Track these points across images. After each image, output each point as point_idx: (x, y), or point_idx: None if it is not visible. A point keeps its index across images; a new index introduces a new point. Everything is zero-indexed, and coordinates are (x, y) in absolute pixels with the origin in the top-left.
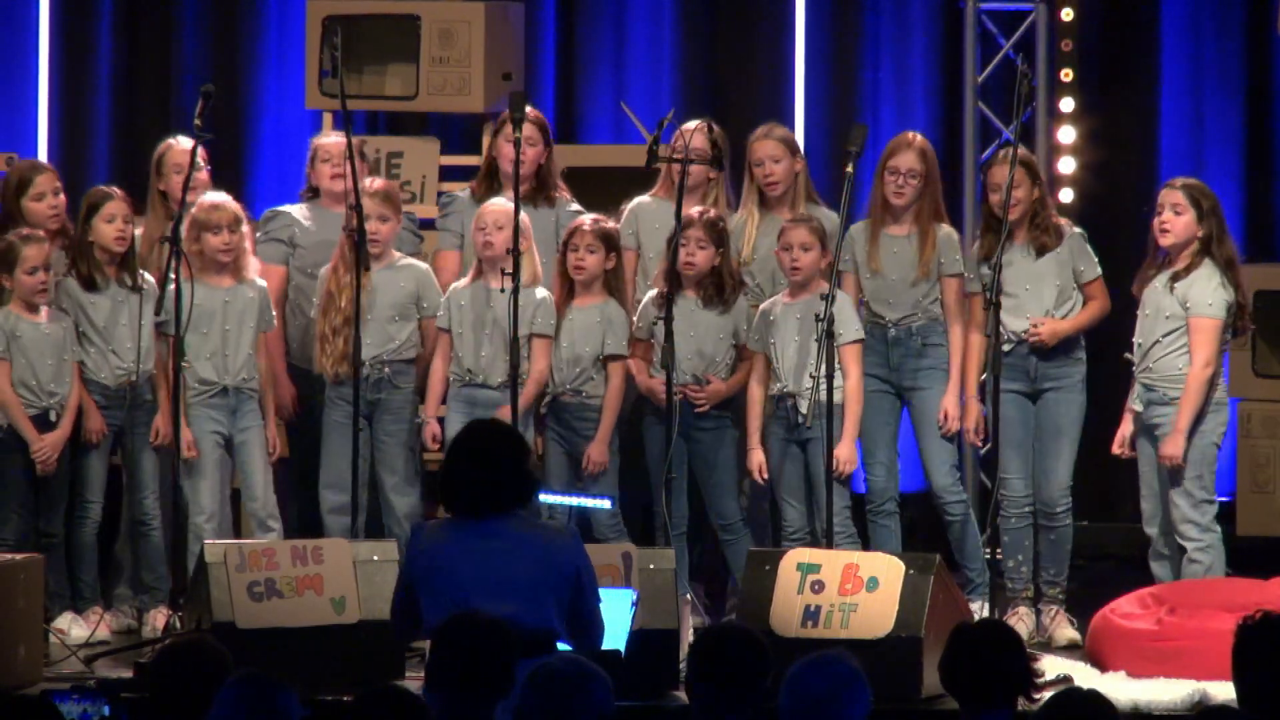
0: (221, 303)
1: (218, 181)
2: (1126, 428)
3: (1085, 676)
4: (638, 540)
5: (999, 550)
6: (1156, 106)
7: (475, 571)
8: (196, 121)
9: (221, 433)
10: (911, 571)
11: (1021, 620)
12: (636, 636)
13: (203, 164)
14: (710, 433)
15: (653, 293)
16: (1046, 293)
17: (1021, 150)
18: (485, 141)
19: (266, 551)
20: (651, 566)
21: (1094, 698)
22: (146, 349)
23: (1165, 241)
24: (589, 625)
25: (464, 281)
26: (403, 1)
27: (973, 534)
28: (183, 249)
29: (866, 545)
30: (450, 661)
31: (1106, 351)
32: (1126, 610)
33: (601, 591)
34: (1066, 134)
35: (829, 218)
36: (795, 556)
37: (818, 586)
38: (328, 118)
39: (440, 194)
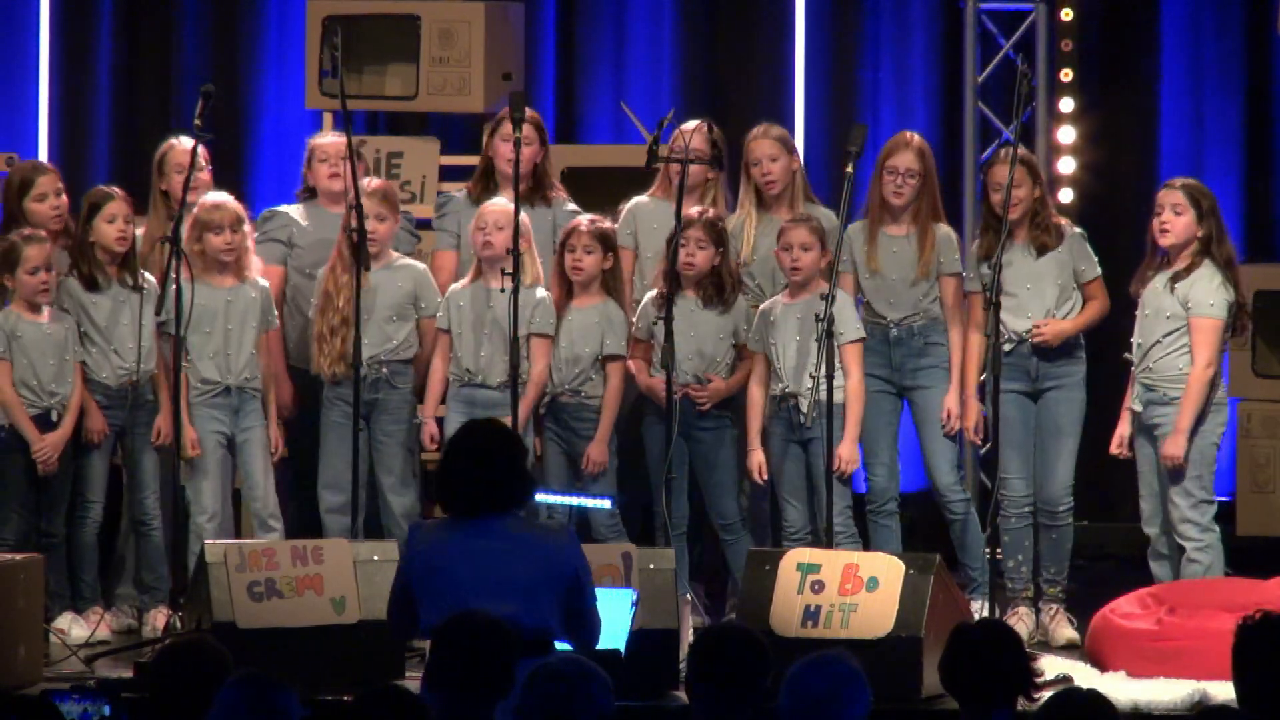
0: (224, 302)
1: (218, 181)
2: (1124, 428)
3: (1085, 676)
4: (638, 540)
5: (999, 550)
6: (1156, 106)
7: (472, 571)
8: (196, 121)
9: (224, 432)
10: (911, 571)
11: (1021, 620)
12: (636, 636)
13: (204, 164)
14: (710, 432)
15: (652, 293)
16: (1048, 292)
17: (1022, 150)
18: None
19: (266, 551)
20: (651, 566)
21: (1094, 698)
22: (148, 349)
23: (1165, 242)
24: (586, 624)
25: (463, 282)
26: (403, 1)
27: (975, 533)
28: (183, 249)
29: (867, 545)
30: (450, 661)
31: (1106, 351)
32: (1126, 610)
33: (601, 591)
34: (1066, 134)
35: (827, 216)
36: (795, 556)
37: (818, 586)
38: (328, 118)
39: (439, 194)
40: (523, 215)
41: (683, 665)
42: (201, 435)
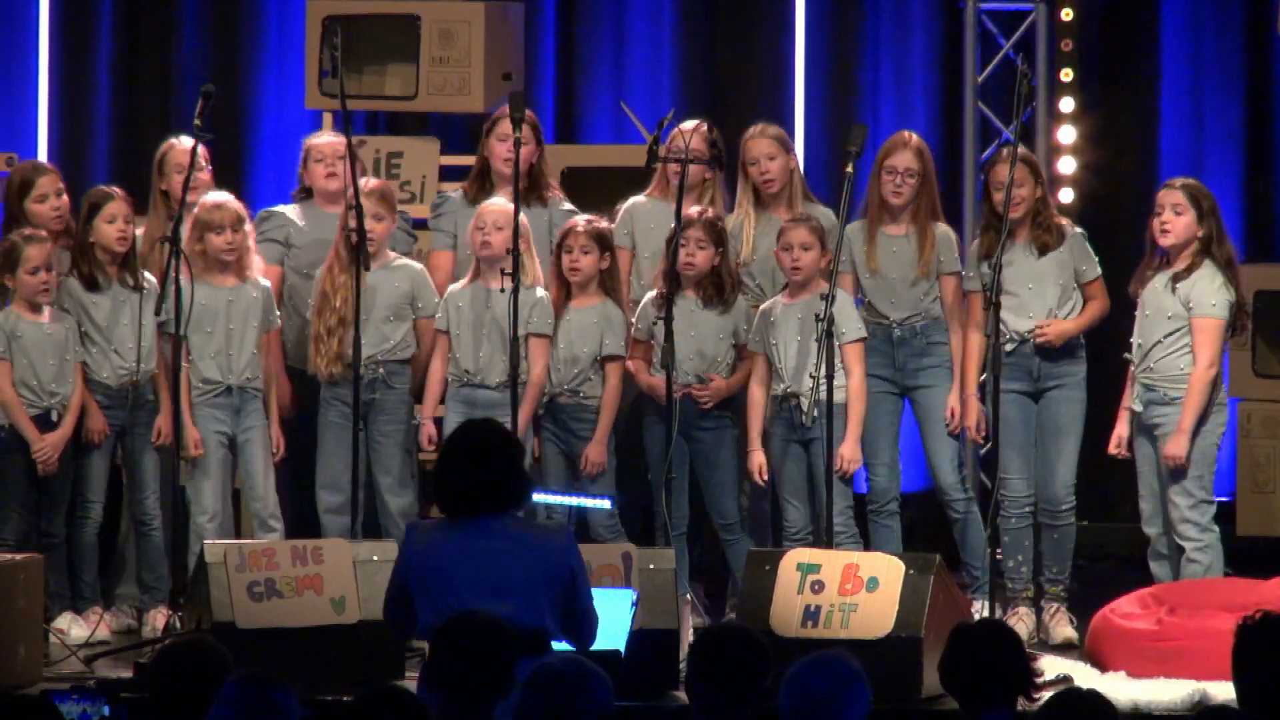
0: (225, 302)
1: (217, 181)
2: (1122, 428)
3: (1085, 676)
4: (637, 540)
5: (999, 550)
6: (1156, 106)
7: (470, 571)
8: (196, 121)
9: (225, 432)
10: (911, 571)
11: (1021, 620)
12: (636, 636)
13: (204, 164)
14: (711, 432)
15: (652, 293)
16: (1049, 292)
17: (1023, 149)
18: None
19: (266, 551)
20: (651, 566)
21: (1094, 698)
22: (148, 349)
23: (1165, 242)
24: (583, 624)
25: (462, 282)
26: (403, 1)
27: (977, 532)
28: (182, 249)
29: (868, 545)
30: (450, 661)
31: (1106, 351)
32: (1126, 610)
33: (601, 592)
34: (1066, 134)
35: (825, 215)
36: (795, 556)
37: (818, 586)
38: (328, 118)
39: (437, 193)
40: (522, 215)
41: (683, 665)
42: (203, 435)
